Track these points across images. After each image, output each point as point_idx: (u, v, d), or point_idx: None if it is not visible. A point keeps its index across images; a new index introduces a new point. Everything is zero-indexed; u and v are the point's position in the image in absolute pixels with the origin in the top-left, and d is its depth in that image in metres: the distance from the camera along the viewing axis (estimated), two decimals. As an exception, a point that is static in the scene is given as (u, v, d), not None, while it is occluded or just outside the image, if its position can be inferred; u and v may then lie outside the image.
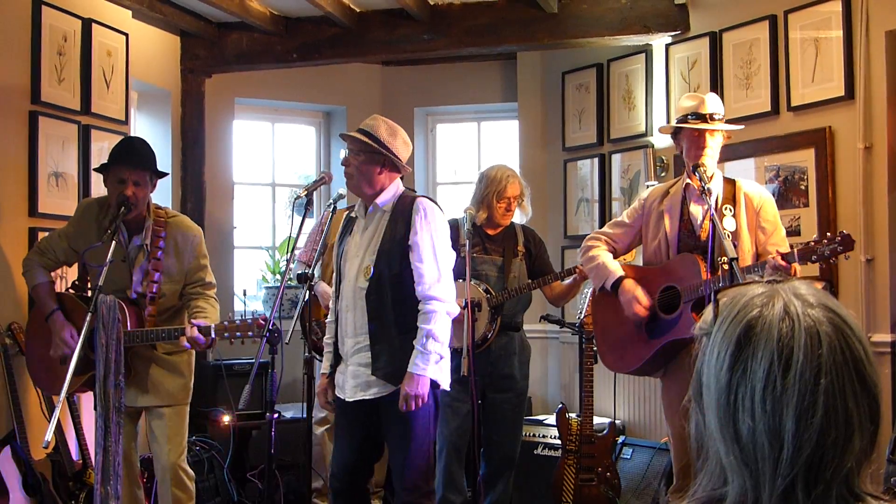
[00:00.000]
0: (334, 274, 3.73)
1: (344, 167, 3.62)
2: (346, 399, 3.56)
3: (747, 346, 1.12)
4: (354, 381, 3.53)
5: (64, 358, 3.67)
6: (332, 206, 4.00)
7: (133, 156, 3.78)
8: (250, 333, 3.49)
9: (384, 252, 3.52)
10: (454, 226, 4.53)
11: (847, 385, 1.09)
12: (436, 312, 3.47)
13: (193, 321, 3.61)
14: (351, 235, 3.70)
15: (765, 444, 1.09)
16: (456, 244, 4.44)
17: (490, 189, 4.43)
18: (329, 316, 3.69)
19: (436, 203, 3.67)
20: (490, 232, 4.53)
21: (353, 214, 3.75)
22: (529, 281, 4.48)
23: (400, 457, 3.52)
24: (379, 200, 3.61)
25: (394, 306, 3.51)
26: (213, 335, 3.54)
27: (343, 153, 3.66)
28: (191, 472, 3.92)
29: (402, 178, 3.70)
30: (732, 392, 1.12)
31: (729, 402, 1.12)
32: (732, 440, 1.12)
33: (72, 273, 4.35)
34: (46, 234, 4.37)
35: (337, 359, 3.66)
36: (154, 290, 3.75)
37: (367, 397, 3.52)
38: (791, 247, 3.49)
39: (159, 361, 3.82)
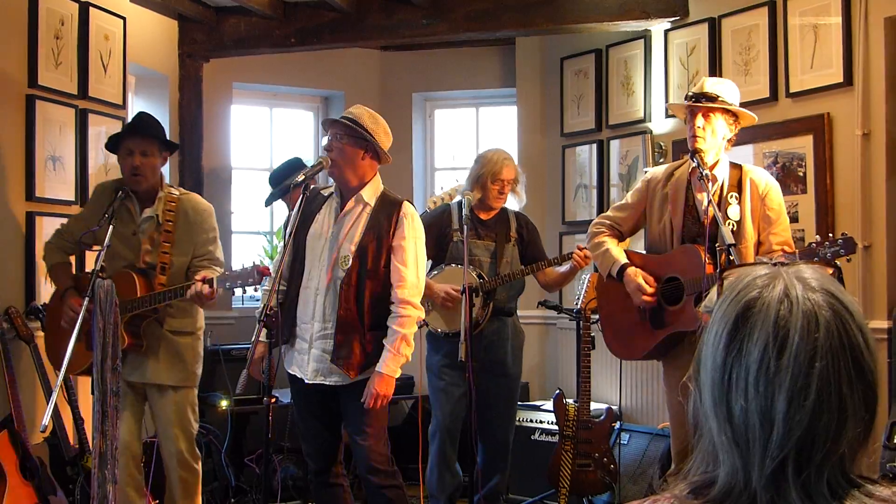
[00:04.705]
0: (288, 245, 3.64)
1: (327, 152, 3.62)
2: (307, 381, 3.62)
3: (744, 326, 1.12)
4: (316, 365, 3.59)
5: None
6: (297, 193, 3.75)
7: (139, 127, 3.85)
8: (251, 280, 3.50)
9: (365, 245, 3.56)
10: (446, 211, 4.54)
11: (843, 370, 1.08)
12: (411, 318, 3.55)
13: (196, 277, 3.64)
14: (321, 214, 3.70)
15: (756, 425, 1.09)
16: (448, 229, 4.46)
17: (486, 170, 4.43)
18: (273, 284, 3.52)
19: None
20: (483, 217, 4.52)
21: (325, 193, 3.75)
22: (522, 267, 4.48)
23: (361, 442, 3.61)
24: (363, 192, 3.63)
25: (365, 300, 3.55)
26: (216, 285, 3.57)
27: (325, 140, 3.67)
28: (197, 452, 3.95)
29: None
30: (727, 371, 1.12)
31: (723, 381, 1.13)
32: (725, 419, 1.13)
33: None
34: (44, 218, 4.41)
35: (289, 334, 3.67)
36: (165, 261, 3.77)
37: (327, 383, 3.59)
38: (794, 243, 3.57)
39: (166, 340, 3.83)
